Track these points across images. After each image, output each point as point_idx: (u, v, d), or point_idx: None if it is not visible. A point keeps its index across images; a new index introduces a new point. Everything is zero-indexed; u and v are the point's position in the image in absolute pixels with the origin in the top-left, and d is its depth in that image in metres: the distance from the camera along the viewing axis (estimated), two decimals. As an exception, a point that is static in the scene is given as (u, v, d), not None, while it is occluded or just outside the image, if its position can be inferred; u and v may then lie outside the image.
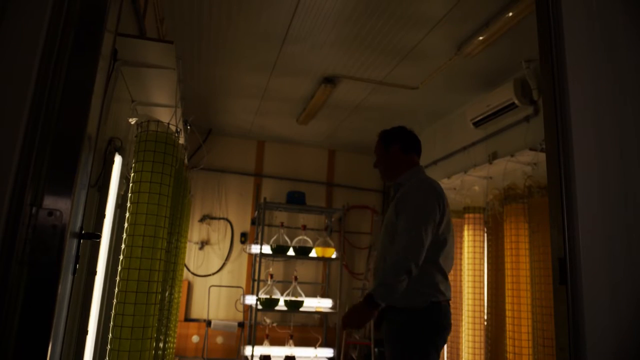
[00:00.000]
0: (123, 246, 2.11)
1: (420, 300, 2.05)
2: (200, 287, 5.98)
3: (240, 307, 5.96)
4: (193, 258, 6.06)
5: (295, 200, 5.95)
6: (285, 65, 4.32)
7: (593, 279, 1.17)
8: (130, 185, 2.17)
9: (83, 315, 2.18)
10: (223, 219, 6.26)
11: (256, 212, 6.11)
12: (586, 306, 1.14)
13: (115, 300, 2.07)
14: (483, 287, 3.90)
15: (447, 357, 4.27)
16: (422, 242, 1.98)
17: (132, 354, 2.01)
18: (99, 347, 2.35)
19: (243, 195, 6.38)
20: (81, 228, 1.61)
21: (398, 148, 2.31)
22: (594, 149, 1.34)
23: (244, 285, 6.05)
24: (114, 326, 2.04)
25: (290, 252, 5.67)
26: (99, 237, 1.61)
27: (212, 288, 5.87)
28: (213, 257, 6.14)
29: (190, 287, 5.97)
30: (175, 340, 4.18)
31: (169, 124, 2.24)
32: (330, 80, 4.53)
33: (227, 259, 6.16)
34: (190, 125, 3.40)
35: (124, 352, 2.00)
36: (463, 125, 4.96)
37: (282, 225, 5.68)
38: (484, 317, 3.87)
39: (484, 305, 3.89)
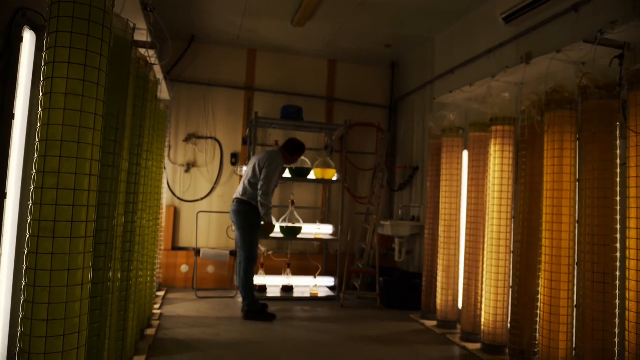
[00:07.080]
0: (35, 157, 1.47)
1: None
2: (187, 213, 5.45)
3: (232, 234, 5.45)
4: (179, 182, 5.49)
5: (291, 116, 5.29)
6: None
7: None
8: (42, 69, 1.49)
9: (-12, 253, 1.58)
10: (211, 138, 5.61)
11: (248, 130, 5.46)
12: None
13: (27, 233, 1.45)
14: (510, 212, 3.32)
15: (464, 289, 3.78)
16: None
17: (54, 307, 1.42)
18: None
19: (233, 112, 5.70)
20: None
21: (287, 152, 4.42)
22: None
23: (236, 210, 5.50)
24: (26, 269, 1.44)
25: (287, 174, 5.10)
26: None
27: (200, 214, 5.33)
28: (201, 181, 5.56)
29: (176, 213, 5.44)
30: (153, 273, 3.67)
31: (95, -22, 1.52)
32: (330, -36, 3.70)
33: (216, 182, 5.58)
34: (152, 11, 2.65)
35: (40, 305, 1.41)
36: (488, 23, 4.19)
37: (276, 143, 5.01)
38: (510, 246, 3.32)
39: (510, 233, 3.33)
